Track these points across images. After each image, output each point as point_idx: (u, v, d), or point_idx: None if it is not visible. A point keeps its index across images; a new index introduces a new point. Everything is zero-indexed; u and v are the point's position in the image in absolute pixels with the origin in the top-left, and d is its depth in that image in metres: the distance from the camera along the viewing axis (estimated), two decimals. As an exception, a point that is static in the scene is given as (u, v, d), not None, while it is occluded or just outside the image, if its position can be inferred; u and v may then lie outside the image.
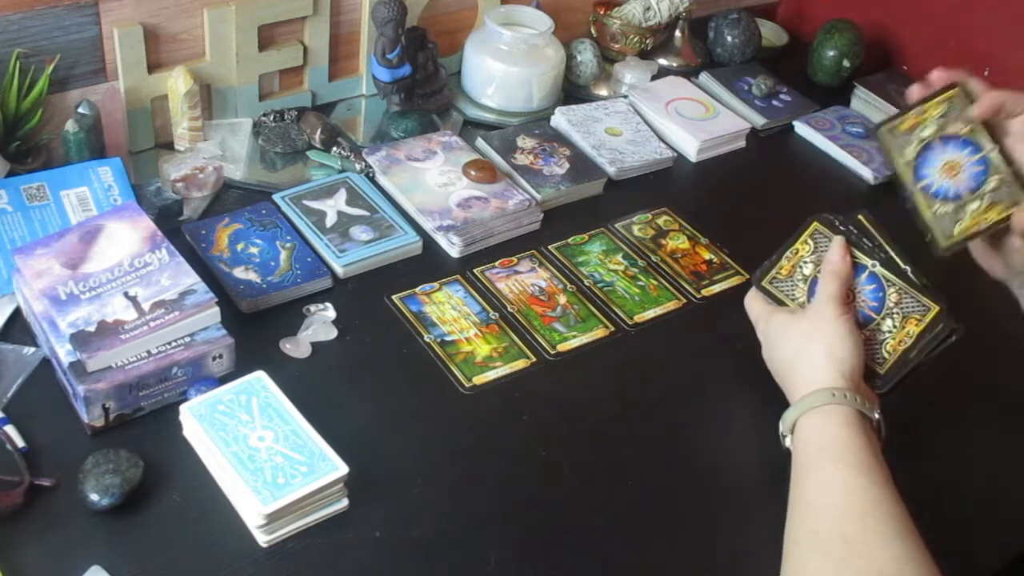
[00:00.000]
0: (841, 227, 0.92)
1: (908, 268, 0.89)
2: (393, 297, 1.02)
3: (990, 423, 1.00)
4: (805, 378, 0.85)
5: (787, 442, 0.85)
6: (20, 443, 0.80)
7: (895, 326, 0.88)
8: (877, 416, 0.82)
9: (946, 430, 0.97)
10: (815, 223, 0.94)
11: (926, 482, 0.88)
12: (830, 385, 0.83)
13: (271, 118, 1.21)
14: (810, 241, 0.93)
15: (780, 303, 0.94)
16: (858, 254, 0.90)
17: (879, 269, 0.89)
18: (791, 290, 0.94)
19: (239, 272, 0.99)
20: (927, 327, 0.87)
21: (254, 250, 1.02)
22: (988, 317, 0.95)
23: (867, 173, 1.32)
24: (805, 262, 0.93)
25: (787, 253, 0.95)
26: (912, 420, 0.90)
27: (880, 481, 0.76)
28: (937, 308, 0.87)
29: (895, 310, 0.88)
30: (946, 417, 0.99)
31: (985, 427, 0.99)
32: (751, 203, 1.25)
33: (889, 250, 0.90)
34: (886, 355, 0.88)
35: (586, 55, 1.39)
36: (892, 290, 0.88)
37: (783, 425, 0.85)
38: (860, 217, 0.92)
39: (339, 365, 0.94)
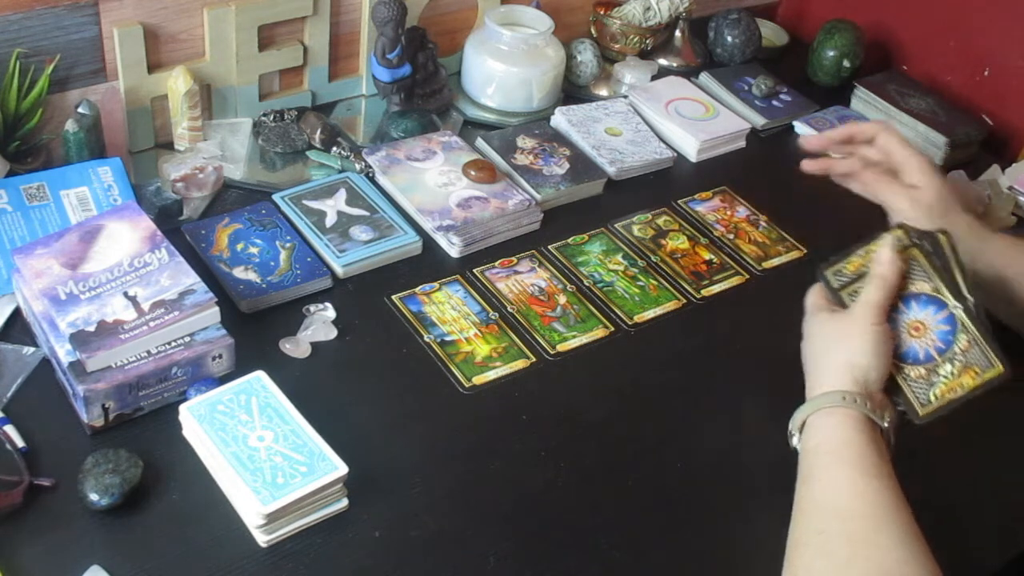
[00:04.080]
0: (917, 241, 0.87)
1: (973, 301, 0.84)
2: (393, 297, 1.02)
3: (992, 423, 1.00)
4: (820, 380, 0.85)
5: (794, 441, 0.84)
6: (20, 443, 0.80)
7: (952, 373, 0.84)
8: (886, 425, 0.82)
9: (948, 431, 0.97)
10: (898, 230, 0.88)
11: (927, 482, 0.88)
12: (841, 388, 0.83)
13: (271, 118, 1.21)
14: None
15: (837, 296, 0.91)
16: (944, 290, 0.85)
17: (959, 313, 0.84)
18: (852, 287, 0.90)
19: (239, 272, 0.99)
20: (983, 384, 0.83)
21: (254, 250, 1.02)
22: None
23: (867, 173, 1.32)
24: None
25: (860, 251, 0.90)
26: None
27: (886, 485, 0.76)
28: (1001, 369, 0.82)
29: (959, 356, 0.83)
30: (948, 418, 0.98)
31: (987, 428, 0.99)
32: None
33: (958, 277, 0.85)
34: (932, 398, 0.84)
35: (586, 55, 1.39)
36: (964, 337, 0.83)
37: (792, 424, 0.85)
38: (940, 236, 0.87)
39: (339, 365, 0.94)
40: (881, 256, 0.87)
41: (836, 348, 0.86)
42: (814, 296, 0.93)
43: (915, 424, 0.85)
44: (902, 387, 0.86)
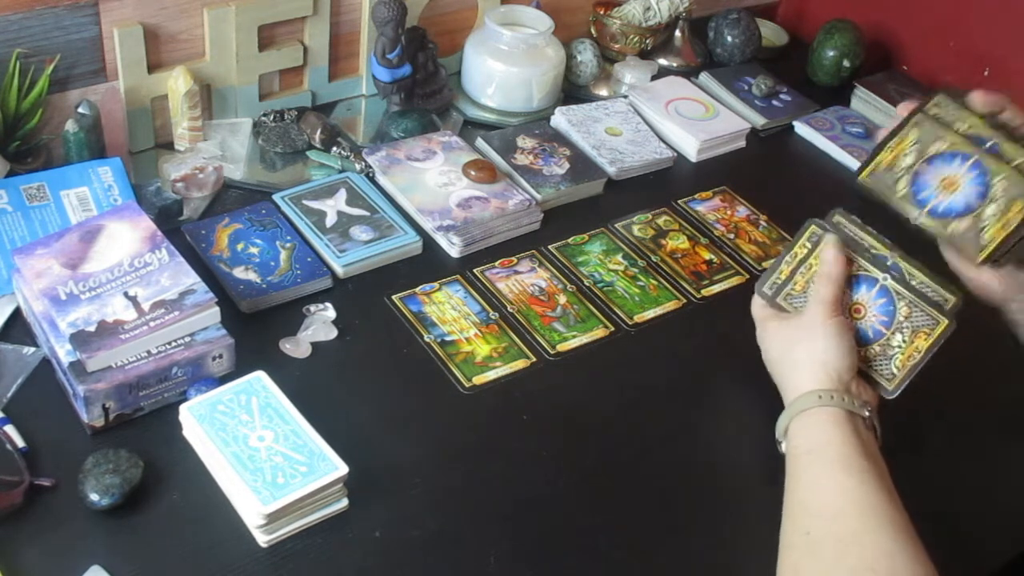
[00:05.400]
0: (829, 228, 0.91)
1: (893, 261, 0.86)
2: (393, 297, 1.02)
3: (992, 424, 1.00)
4: (792, 383, 0.85)
5: (782, 448, 0.85)
6: (20, 443, 0.80)
7: (904, 341, 0.86)
8: (868, 414, 0.82)
9: (948, 431, 0.97)
10: (813, 226, 0.92)
11: (928, 482, 0.88)
12: (816, 388, 0.83)
13: (271, 118, 1.21)
14: (808, 244, 0.92)
15: (776, 303, 0.93)
16: (868, 267, 0.88)
17: (890, 283, 0.87)
18: (785, 290, 0.93)
19: (239, 272, 0.99)
20: (935, 341, 0.85)
21: (254, 250, 1.02)
22: (990, 322, 0.95)
23: (867, 173, 1.32)
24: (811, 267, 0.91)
25: (787, 257, 0.93)
26: (914, 422, 0.90)
27: (871, 479, 0.76)
28: (945, 323, 0.85)
29: (905, 324, 0.86)
30: (948, 419, 0.98)
31: (987, 428, 0.99)
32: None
33: (875, 243, 0.89)
34: (895, 370, 0.87)
35: (586, 55, 1.39)
36: (903, 303, 0.86)
37: (777, 431, 0.85)
38: (835, 216, 0.92)
39: (339, 365, 0.94)
40: (825, 256, 0.89)
41: (797, 350, 0.86)
42: (756, 307, 0.94)
43: (891, 399, 0.87)
44: (865, 370, 0.88)
